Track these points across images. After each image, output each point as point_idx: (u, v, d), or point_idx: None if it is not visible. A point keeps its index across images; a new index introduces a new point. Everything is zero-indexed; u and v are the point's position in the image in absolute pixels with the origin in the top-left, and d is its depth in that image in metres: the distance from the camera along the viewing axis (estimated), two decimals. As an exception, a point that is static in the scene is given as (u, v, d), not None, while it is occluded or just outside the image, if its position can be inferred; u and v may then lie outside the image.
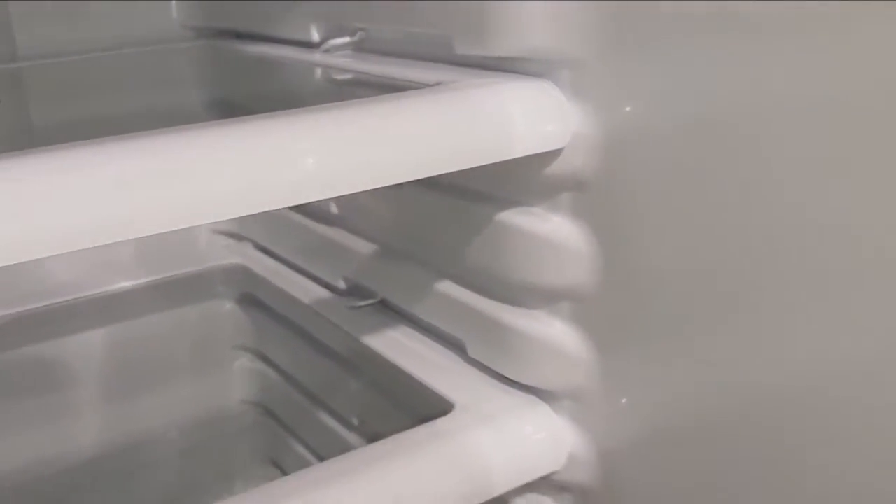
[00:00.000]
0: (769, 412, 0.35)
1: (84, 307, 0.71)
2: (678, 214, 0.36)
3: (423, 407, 0.47)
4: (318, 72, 0.52)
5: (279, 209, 0.64)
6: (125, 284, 0.71)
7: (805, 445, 0.34)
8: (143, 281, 0.73)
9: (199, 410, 0.80)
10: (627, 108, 0.36)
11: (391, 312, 0.56)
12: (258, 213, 0.69)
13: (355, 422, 0.63)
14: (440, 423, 0.43)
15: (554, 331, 0.43)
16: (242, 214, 0.32)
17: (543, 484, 0.45)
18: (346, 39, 0.51)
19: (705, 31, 0.32)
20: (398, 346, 0.52)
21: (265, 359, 0.78)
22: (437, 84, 0.39)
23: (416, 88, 0.39)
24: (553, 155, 0.38)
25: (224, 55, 0.64)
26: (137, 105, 0.64)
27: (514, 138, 0.36)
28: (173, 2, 0.68)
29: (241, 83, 0.63)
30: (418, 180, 0.46)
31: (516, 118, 0.36)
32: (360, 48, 0.51)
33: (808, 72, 0.30)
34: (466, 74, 0.40)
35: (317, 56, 0.52)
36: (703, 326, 0.36)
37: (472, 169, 0.38)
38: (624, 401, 0.41)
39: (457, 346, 0.50)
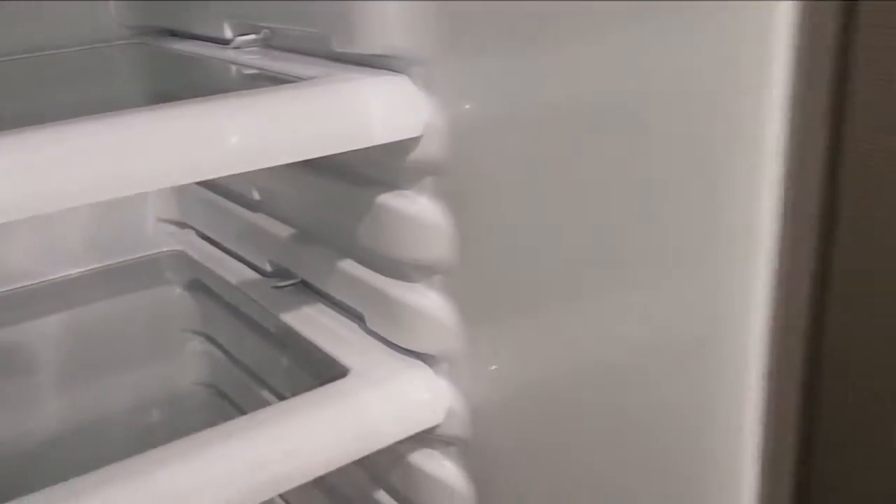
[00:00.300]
0: (600, 378, 0.39)
1: (36, 294, 0.74)
2: (513, 198, 0.40)
3: (329, 374, 0.52)
4: (231, 67, 0.56)
5: (218, 199, 0.69)
6: (74, 272, 0.75)
7: (627, 407, 0.38)
8: (92, 268, 0.76)
9: (153, 393, 0.84)
10: (468, 101, 0.40)
11: (310, 291, 0.61)
12: (199, 202, 0.73)
13: (288, 396, 0.68)
14: (334, 385, 0.47)
15: (429, 301, 0.47)
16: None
17: (429, 438, 0.50)
18: (253, 37, 0.55)
19: (525, 34, 0.36)
20: (310, 322, 0.57)
21: (214, 341, 0.82)
22: (311, 78, 0.43)
23: (297, 82, 0.44)
24: (412, 143, 0.43)
25: (154, 52, 0.68)
26: (71, 100, 0.68)
27: (372, 127, 0.40)
28: (111, 2, 0.72)
29: (167, 78, 0.68)
30: (317, 168, 0.51)
31: (374, 109, 0.40)
32: (267, 45, 0.55)
33: (606, 72, 0.34)
34: (339, 70, 0.45)
35: (228, 53, 0.56)
36: (541, 300, 0.41)
37: (356, 156, 0.43)
38: (487, 364, 0.46)
39: (360, 319, 0.54)
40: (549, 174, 0.38)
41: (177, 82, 0.66)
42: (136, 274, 0.80)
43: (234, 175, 0.64)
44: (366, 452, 0.46)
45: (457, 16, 0.39)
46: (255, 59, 0.53)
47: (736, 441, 0.34)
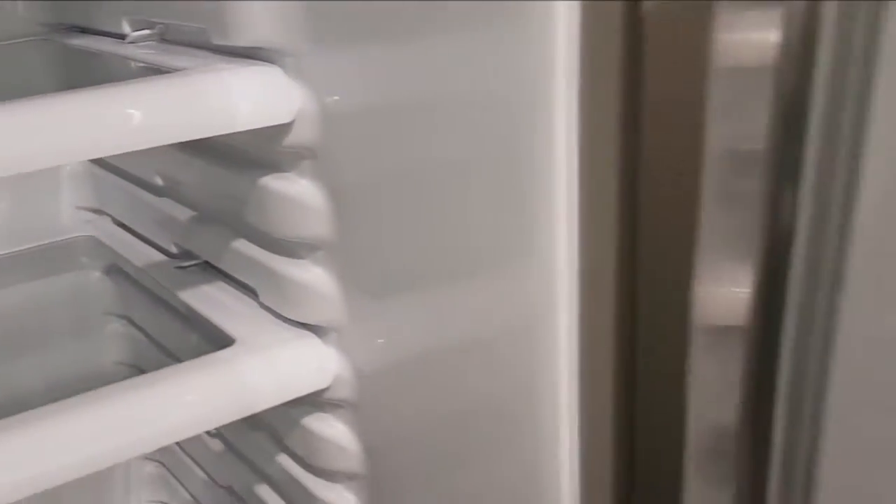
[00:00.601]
0: (444, 356, 0.44)
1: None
2: (377, 182, 0.44)
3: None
4: (125, 61, 0.59)
5: (130, 187, 0.72)
6: (-7, 255, 0.78)
7: (463, 389, 0.43)
8: (11, 251, 0.79)
9: (75, 373, 0.87)
10: (336, 90, 0.44)
11: (213, 271, 0.64)
12: (113, 190, 0.76)
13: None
14: (219, 353, 0.51)
15: (313, 276, 0.51)
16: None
17: (320, 401, 0.54)
18: (147, 32, 0.58)
19: (370, 31, 0.40)
20: (208, 299, 0.61)
21: (133, 323, 0.85)
22: (185, 69, 0.47)
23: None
24: (285, 128, 0.46)
25: (59, 48, 0.71)
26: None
27: (236, 114, 0.44)
28: (20, 1, 0.74)
29: (70, 72, 0.71)
30: (208, 154, 0.54)
31: (238, 97, 0.44)
32: (162, 39, 0.59)
33: (421, 71, 0.38)
34: (217, 61, 0.48)
35: (125, 48, 0.59)
36: (403, 278, 0.45)
37: (242, 141, 0.47)
38: (368, 333, 0.50)
39: (255, 295, 0.58)
40: (402, 163, 0.42)
41: (78, 76, 0.69)
42: (54, 258, 0.83)
43: (139, 162, 0.68)
44: (244, 414, 0.50)
45: (318, 13, 0.43)
46: (146, 53, 0.56)
47: (554, 422, 0.38)
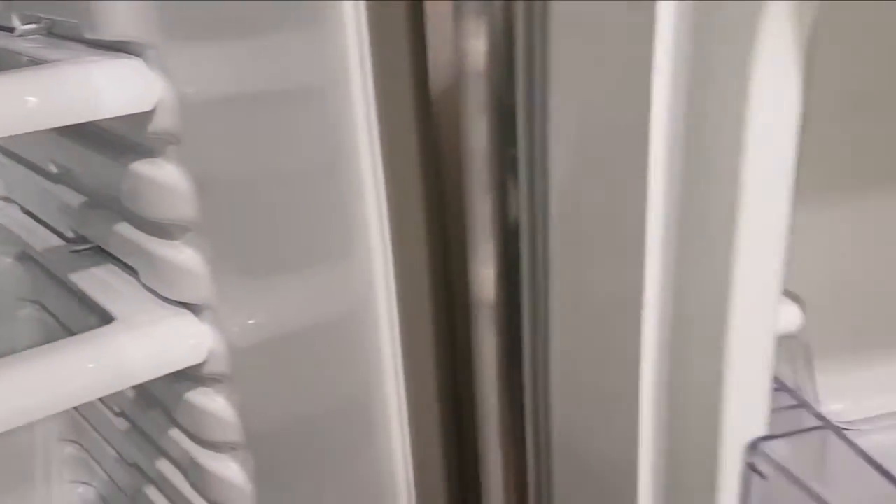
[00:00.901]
0: (308, 337, 0.47)
1: None
2: (232, 169, 0.47)
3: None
4: (10, 54, 0.62)
5: (32, 175, 0.75)
6: None
7: (323, 364, 0.46)
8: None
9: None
10: (193, 81, 0.47)
11: (104, 254, 0.67)
12: (19, 178, 0.78)
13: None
14: (98, 330, 0.54)
15: (185, 256, 0.54)
16: None
17: (199, 376, 0.58)
18: (34, 26, 0.61)
19: (214, 28, 0.44)
20: (97, 281, 0.63)
21: (44, 308, 0.88)
22: (55, 61, 0.50)
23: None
24: (148, 116, 0.50)
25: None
26: None
27: (101, 102, 0.47)
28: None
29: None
30: (88, 140, 0.57)
31: (104, 87, 0.47)
32: (49, 33, 0.62)
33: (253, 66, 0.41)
34: (88, 54, 0.51)
35: (13, 41, 0.62)
36: (263, 259, 0.48)
37: (116, 128, 0.50)
38: (238, 311, 0.53)
39: (137, 275, 0.61)
40: (247, 153, 0.45)
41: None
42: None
43: (35, 150, 0.70)
44: (124, 386, 0.54)
45: (168, 11, 0.46)
46: (29, 47, 0.59)
47: (383, 400, 0.42)
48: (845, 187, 0.41)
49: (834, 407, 0.39)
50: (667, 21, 0.24)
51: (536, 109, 0.29)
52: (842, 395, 0.40)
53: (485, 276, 0.34)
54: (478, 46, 0.30)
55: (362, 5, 0.34)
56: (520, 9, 0.29)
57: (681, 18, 0.25)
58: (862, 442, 0.27)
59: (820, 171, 0.34)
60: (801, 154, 0.26)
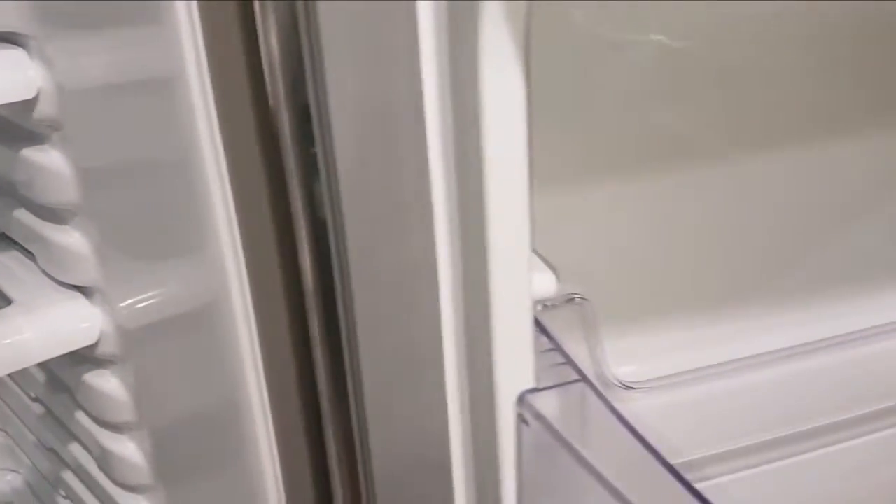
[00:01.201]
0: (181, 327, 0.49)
1: None
2: (107, 156, 0.49)
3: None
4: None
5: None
6: None
7: (195, 353, 0.48)
8: None
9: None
10: (65, 71, 0.49)
11: (9, 240, 0.69)
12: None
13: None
14: (-7, 313, 0.56)
15: (73, 240, 0.56)
16: None
17: (93, 357, 0.59)
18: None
19: (75, 22, 0.46)
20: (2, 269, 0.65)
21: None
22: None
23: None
24: (31, 103, 0.52)
25: None
26: None
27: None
28: None
29: None
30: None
31: (-17, 77, 0.49)
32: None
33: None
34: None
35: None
36: (139, 246, 0.50)
37: (8, 115, 0.51)
38: (123, 294, 0.55)
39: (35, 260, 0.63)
40: (117, 142, 0.47)
41: None
42: None
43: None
44: (20, 366, 0.56)
45: (49, 4, 0.48)
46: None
47: (244, 384, 0.44)
48: (630, 170, 0.43)
49: (626, 369, 0.42)
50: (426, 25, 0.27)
51: (322, 107, 0.31)
52: (632, 357, 0.43)
53: (305, 267, 0.36)
54: (273, 43, 0.32)
55: (194, 5, 0.36)
56: (300, 8, 0.31)
57: (438, 22, 0.27)
58: (645, 398, 0.30)
59: (602, 156, 0.37)
60: (574, 139, 0.28)
